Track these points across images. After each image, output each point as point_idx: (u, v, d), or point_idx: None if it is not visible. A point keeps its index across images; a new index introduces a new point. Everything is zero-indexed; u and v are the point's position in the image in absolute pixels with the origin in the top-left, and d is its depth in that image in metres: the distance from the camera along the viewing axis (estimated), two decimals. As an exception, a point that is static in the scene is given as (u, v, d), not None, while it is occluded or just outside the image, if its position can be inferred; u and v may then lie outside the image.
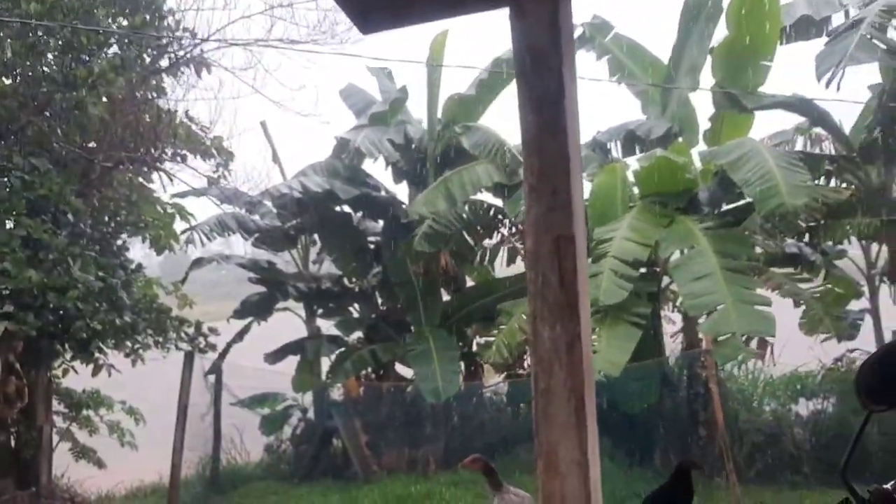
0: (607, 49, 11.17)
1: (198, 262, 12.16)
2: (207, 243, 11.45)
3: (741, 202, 9.56)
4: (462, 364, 10.88)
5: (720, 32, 9.97)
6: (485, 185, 10.80)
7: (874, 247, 10.59)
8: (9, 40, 8.56)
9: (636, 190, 10.26)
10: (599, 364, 7.87)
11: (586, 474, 1.31)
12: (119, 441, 10.54)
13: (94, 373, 9.00)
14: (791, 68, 10.71)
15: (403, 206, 11.92)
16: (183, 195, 11.09)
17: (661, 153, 9.51)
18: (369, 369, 11.40)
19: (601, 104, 10.72)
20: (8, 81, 8.89)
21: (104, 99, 8.62)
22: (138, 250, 11.04)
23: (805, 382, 10.03)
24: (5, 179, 8.35)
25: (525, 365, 10.55)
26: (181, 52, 9.82)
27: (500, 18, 1.51)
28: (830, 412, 9.68)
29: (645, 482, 8.39)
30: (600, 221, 9.28)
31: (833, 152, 10.35)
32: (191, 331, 9.73)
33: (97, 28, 8.68)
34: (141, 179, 10.25)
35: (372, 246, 12.45)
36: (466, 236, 11.93)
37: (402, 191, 12.72)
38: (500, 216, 11.82)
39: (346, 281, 12.64)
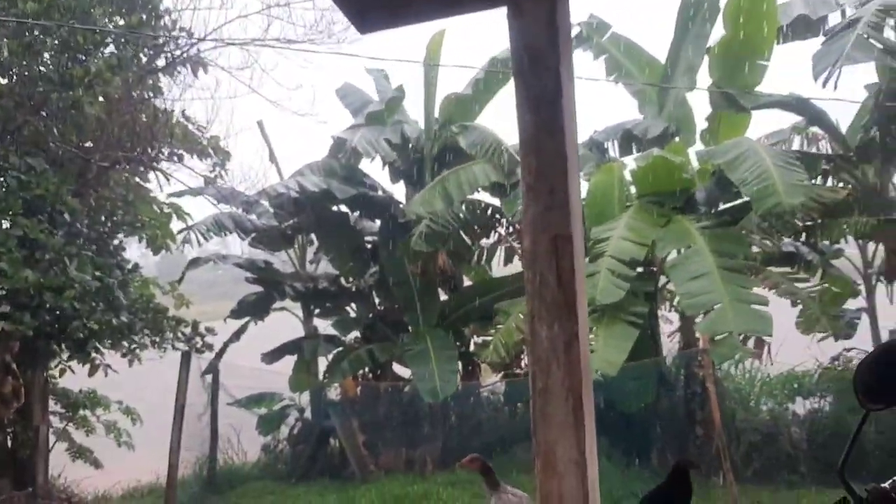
0: (604, 49, 11.20)
1: (194, 262, 12.14)
2: (204, 243, 11.42)
3: (738, 201, 9.58)
4: (459, 364, 10.83)
5: (717, 32, 10.04)
6: (482, 185, 10.79)
7: (871, 246, 10.61)
8: (5, 39, 8.54)
9: (633, 189, 10.28)
10: (597, 363, 7.86)
11: (584, 474, 1.31)
12: (116, 441, 10.51)
13: (91, 373, 8.95)
14: (788, 68, 10.77)
15: (401, 206, 11.92)
16: (179, 195, 11.08)
17: (658, 153, 9.51)
18: (366, 369, 11.39)
19: (598, 104, 10.76)
20: (4, 81, 8.86)
21: (101, 98, 8.60)
22: (135, 250, 11.00)
23: (802, 382, 10.03)
24: (1, 179, 8.35)
25: (523, 364, 10.56)
26: (178, 52, 9.80)
27: (497, 18, 1.51)
28: (827, 411, 9.68)
29: (642, 481, 8.41)
30: (597, 221, 9.28)
31: (830, 152, 10.39)
32: (187, 331, 9.69)
33: (94, 27, 8.66)
34: (137, 179, 10.22)
35: (369, 246, 12.44)
36: (464, 236, 11.91)
37: (399, 190, 12.75)
38: (497, 216, 11.82)
39: (343, 281, 12.63)
